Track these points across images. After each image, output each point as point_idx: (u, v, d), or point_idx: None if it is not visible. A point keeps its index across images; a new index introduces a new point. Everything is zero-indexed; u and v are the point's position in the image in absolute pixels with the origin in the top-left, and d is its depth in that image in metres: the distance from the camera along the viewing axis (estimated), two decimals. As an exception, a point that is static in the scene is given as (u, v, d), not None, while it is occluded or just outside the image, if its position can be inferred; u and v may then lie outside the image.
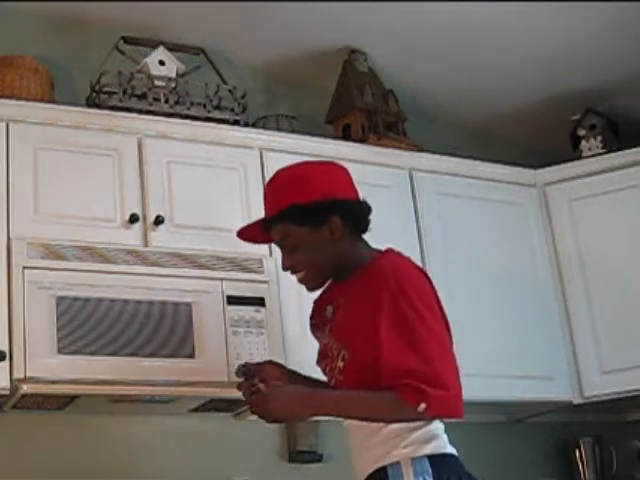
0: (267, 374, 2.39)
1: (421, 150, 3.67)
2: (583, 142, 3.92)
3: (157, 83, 3.24)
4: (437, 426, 2.19)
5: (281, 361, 2.67)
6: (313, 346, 2.45)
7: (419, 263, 3.37)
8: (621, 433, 3.93)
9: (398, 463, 2.12)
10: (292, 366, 2.60)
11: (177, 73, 3.32)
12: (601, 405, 3.66)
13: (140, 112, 3.15)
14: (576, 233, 3.72)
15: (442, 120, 4.16)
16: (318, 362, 2.38)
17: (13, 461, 2.91)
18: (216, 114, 3.29)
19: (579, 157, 3.88)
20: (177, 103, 3.24)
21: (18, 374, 2.62)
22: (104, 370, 2.70)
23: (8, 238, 2.75)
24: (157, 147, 3.09)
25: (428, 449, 2.14)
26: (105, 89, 3.18)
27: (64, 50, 3.41)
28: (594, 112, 3.95)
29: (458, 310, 3.38)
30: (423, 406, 2.07)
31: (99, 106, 3.14)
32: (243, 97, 3.38)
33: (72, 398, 2.77)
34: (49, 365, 2.65)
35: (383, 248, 2.35)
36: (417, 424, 2.15)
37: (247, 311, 2.96)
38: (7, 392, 2.65)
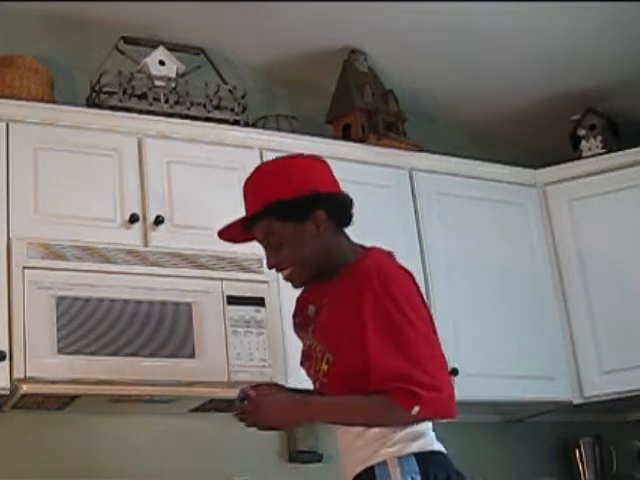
0: (260, 389, 2.32)
1: (421, 150, 3.67)
2: (583, 142, 3.92)
3: (157, 83, 3.24)
4: (424, 424, 2.16)
5: (281, 361, 2.66)
6: (313, 346, 2.44)
7: (419, 263, 3.41)
8: (621, 433, 3.93)
9: (385, 462, 2.10)
10: (292, 366, 2.59)
11: (177, 73, 3.32)
12: (601, 405, 3.65)
13: (140, 112, 3.15)
14: (576, 233, 3.72)
15: (442, 120, 4.16)
16: (302, 363, 2.34)
17: (13, 461, 2.91)
18: (216, 114, 3.29)
19: (579, 157, 3.88)
20: (177, 103, 3.24)
21: (18, 374, 2.62)
22: (104, 370, 2.70)
23: (8, 238, 2.75)
24: (157, 147, 3.09)
25: (415, 447, 2.12)
26: (105, 89, 3.18)
27: (64, 50, 3.41)
28: (594, 112, 3.95)
29: (458, 310, 3.41)
30: (417, 409, 2.05)
31: (99, 106, 3.15)
32: (243, 97, 3.38)
33: (72, 398, 2.77)
34: (49, 365, 2.65)
35: (378, 246, 2.31)
36: None
37: (247, 311, 2.96)
38: (7, 392, 2.65)
